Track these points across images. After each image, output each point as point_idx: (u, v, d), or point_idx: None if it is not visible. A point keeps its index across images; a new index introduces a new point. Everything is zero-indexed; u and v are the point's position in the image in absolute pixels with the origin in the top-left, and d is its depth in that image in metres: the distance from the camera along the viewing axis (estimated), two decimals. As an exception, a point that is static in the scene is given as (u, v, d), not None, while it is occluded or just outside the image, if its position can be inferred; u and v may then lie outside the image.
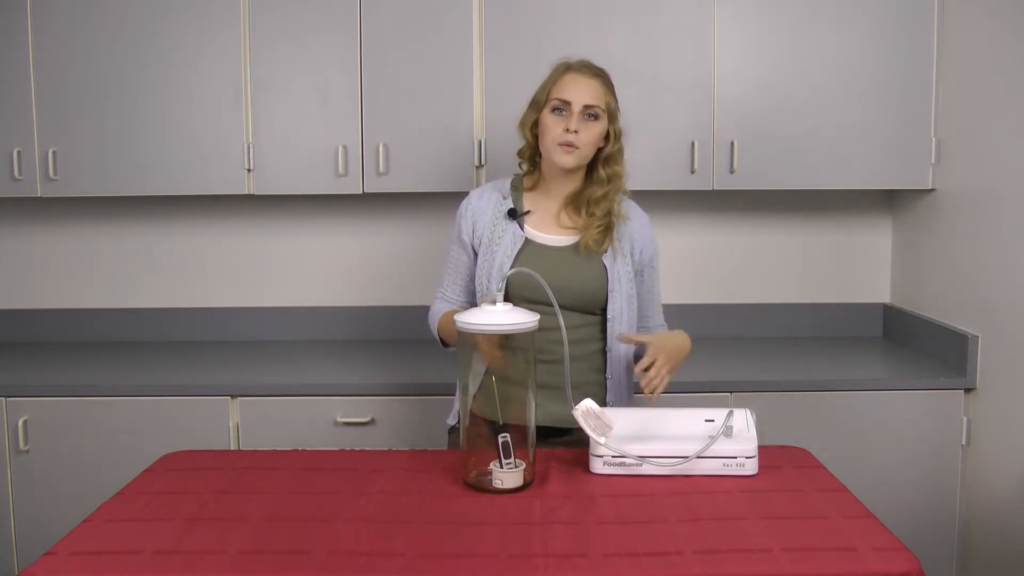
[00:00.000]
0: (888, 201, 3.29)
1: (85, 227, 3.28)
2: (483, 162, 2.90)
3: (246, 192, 2.94)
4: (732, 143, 2.90)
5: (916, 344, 3.06)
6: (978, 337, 2.68)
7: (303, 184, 2.94)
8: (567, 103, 2.03)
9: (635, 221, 2.16)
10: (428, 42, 2.89)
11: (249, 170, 2.92)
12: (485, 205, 2.15)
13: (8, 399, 2.70)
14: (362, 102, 2.90)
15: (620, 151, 2.12)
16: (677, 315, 3.28)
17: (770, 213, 3.29)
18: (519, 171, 2.22)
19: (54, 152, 2.90)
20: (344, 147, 2.90)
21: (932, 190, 2.96)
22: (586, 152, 2.06)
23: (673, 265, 3.29)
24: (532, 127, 2.10)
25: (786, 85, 2.91)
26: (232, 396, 2.71)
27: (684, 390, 2.69)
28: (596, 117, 2.05)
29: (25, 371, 2.93)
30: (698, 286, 3.30)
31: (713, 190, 2.95)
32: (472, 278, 2.16)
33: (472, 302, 2.18)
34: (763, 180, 2.94)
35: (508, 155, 2.89)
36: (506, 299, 1.98)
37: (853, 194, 3.25)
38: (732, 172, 2.91)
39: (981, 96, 2.69)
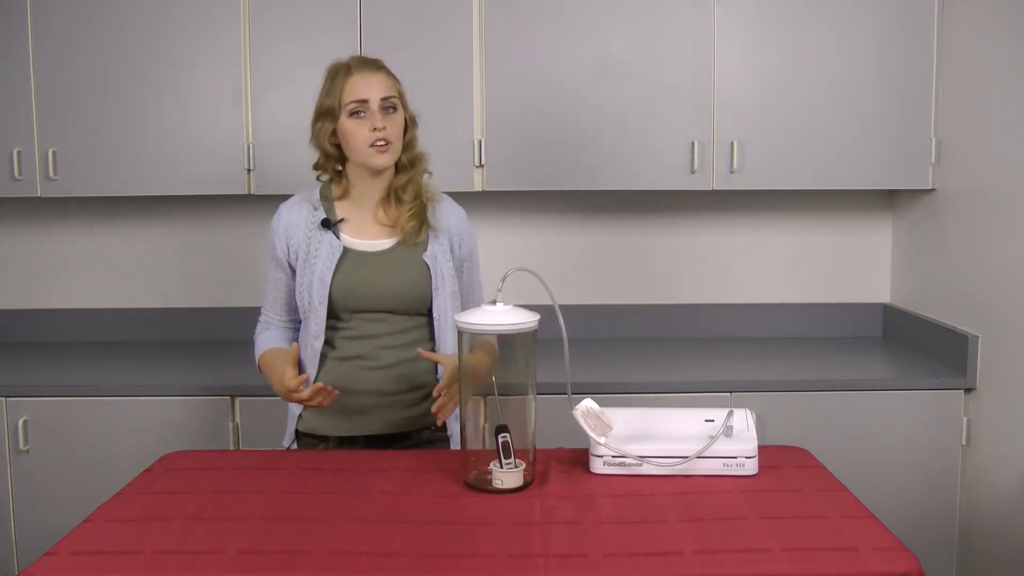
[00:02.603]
0: (888, 201, 3.29)
1: (85, 227, 3.28)
2: (482, 162, 2.90)
3: (246, 192, 2.94)
4: (732, 143, 2.90)
5: (916, 344, 3.06)
6: (978, 337, 2.68)
7: (303, 184, 2.89)
8: (364, 102, 2.00)
9: (451, 214, 2.14)
10: (428, 42, 2.89)
11: (249, 170, 2.92)
12: (296, 219, 2.10)
13: (8, 399, 2.70)
14: (362, 102, 2.89)
15: (415, 136, 2.11)
16: (678, 315, 3.31)
17: (770, 213, 3.29)
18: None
19: (54, 152, 2.90)
20: (344, 147, 2.89)
21: (932, 190, 2.96)
22: (398, 145, 2.04)
23: (673, 265, 3.30)
24: (330, 138, 2.05)
25: (786, 85, 2.91)
26: (232, 396, 2.71)
27: (684, 390, 2.69)
28: (395, 108, 2.04)
29: (25, 371, 2.93)
30: (698, 286, 3.30)
31: (713, 190, 2.95)
32: (293, 295, 2.12)
33: (295, 320, 2.15)
34: (763, 180, 2.94)
35: (509, 155, 2.92)
36: (331, 314, 2.02)
37: (853, 194, 3.25)
38: (732, 172, 2.91)
39: (981, 96, 2.69)
